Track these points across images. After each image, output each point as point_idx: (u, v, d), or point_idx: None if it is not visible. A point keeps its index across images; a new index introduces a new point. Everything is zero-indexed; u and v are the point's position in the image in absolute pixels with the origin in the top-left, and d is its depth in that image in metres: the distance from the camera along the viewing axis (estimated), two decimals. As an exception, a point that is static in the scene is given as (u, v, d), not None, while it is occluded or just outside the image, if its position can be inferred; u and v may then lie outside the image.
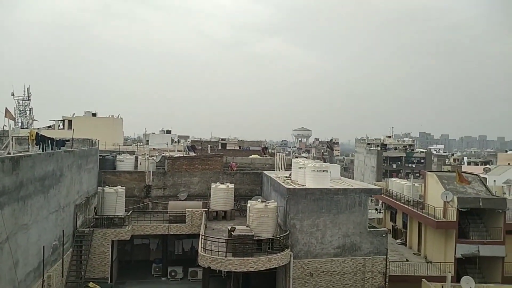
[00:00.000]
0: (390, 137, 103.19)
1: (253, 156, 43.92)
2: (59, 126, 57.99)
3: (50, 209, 19.98)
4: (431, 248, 30.27)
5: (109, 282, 25.50)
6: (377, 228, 25.29)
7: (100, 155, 31.69)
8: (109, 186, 28.83)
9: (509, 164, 61.06)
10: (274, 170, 34.48)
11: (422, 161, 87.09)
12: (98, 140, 31.06)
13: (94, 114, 60.36)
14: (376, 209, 45.59)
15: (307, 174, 25.07)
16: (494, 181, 43.89)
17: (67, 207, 22.89)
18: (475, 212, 28.69)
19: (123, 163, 32.73)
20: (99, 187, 28.37)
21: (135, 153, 38.60)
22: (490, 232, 27.95)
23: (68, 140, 29.38)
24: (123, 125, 63.86)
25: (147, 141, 66.26)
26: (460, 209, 27.33)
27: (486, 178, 41.17)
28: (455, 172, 31.30)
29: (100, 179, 29.90)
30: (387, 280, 23.84)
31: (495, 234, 27.57)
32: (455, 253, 27.16)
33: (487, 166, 62.07)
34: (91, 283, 24.06)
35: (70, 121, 55.50)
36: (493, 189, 33.78)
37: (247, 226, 22.96)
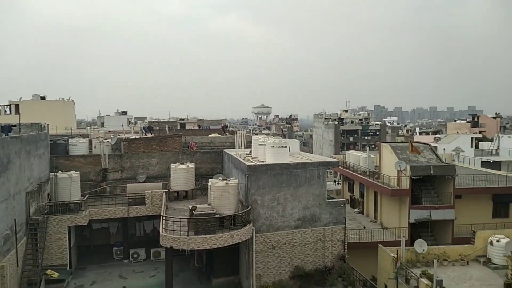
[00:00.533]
0: (346, 111, 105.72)
1: (213, 135, 43.59)
2: (5, 111, 54.79)
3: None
4: (387, 215, 31.67)
5: (68, 268, 24.85)
6: (335, 199, 26.01)
7: (51, 140, 30.26)
8: (62, 171, 27.70)
9: (457, 132, 64.41)
10: (235, 148, 34.52)
11: (377, 133, 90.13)
12: (48, 124, 29.55)
13: (43, 98, 57.38)
14: (335, 181, 46.89)
15: (267, 151, 25.21)
16: (444, 149, 46.18)
17: (17, 195, 21.83)
18: (427, 179, 30.17)
19: (76, 147, 31.46)
20: (51, 173, 27.19)
21: (89, 137, 37.16)
22: (441, 197, 29.56)
23: (15, 126, 27.83)
24: (75, 108, 61.21)
25: (102, 123, 64.03)
26: (412, 177, 28.63)
27: (436, 147, 43.27)
28: (407, 142, 32.61)
29: (52, 165, 28.63)
30: (346, 247, 24.73)
31: (445, 199, 29.21)
32: (408, 219, 28.59)
33: (438, 135, 65.09)
34: (49, 270, 23.35)
35: (17, 106, 52.52)
36: (443, 157, 35.58)
37: (208, 205, 22.92)
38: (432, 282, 20.15)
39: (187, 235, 20.47)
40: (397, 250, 22.35)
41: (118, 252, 28.83)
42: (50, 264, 24.13)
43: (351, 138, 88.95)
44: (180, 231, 20.67)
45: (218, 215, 21.55)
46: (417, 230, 29.62)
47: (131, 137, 33.89)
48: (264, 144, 25.70)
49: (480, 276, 22.57)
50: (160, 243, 21.05)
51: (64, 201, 25.51)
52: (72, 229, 26.46)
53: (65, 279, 23.95)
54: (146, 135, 38.30)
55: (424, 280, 20.23)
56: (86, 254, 29.25)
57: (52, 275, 23.24)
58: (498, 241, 23.69)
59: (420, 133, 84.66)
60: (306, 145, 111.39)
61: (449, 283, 21.08)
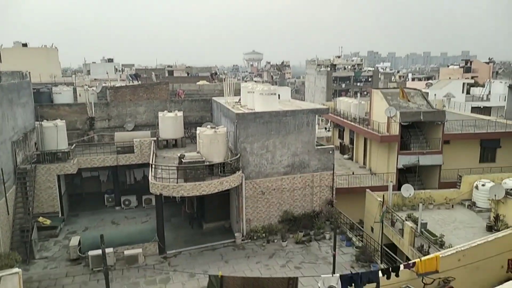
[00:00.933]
0: (339, 57, 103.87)
1: (201, 82, 42.68)
2: (-15, 58, 52.72)
3: (-17, 148, 18.66)
4: (375, 161, 32.01)
5: (60, 215, 25.11)
6: (324, 146, 26.04)
7: (34, 89, 29.38)
8: (47, 120, 27.14)
9: (450, 78, 63.94)
10: (224, 96, 33.93)
11: (369, 79, 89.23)
12: (29, 72, 28.52)
13: (24, 45, 55.14)
14: (326, 128, 46.98)
15: (256, 98, 24.76)
16: (435, 95, 46.02)
17: (2, 145, 21.47)
18: (417, 125, 30.21)
19: (61, 95, 30.67)
20: (36, 122, 26.67)
21: (74, 85, 36.17)
22: (429, 143, 29.77)
23: (-5, 73, 26.81)
24: (58, 55, 59.14)
25: (88, 71, 62.28)
26: (402, 123, 28.60)
27: (428, 93, 43.01)
28: (398, 88, 32.25)
29: (37, 114, 28.02)
30: (334, 193, 25.14)
31: (434, 145, 29.43)
32: (397, 164, 28.93)
33: (430, 81, 64.67)
34: (40, 218, 23.56)
35: (-3, 53, 50.51)
36: (434, 103, 35.46)
37: (197, 153, 22.83)
38: (417, 225, 20.75)
39: (177, 183, 20.53)
40: (383, 195, 22.76)
41: (110, 200, 29.10)
42: (41, 212, 24.31)
43: (343, 85, 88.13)
44: (169, 178, 20.71)
45: (208, 163, 21.52)
46: (405, 175, 30.12)
47: (117, 85, 33.04)
48: (253, 92, 25.20)
49: (464, 219, 23.28)
50: (150, 190, 21.16)
51: (51, 150, 25.23)
52: (61, 178, 26.42)
53: (57, 225, 24.26)
54: (132, 82, 37.39)
55: (409, 223, 20.78)
56: (78, 202, 29.51)
57: (44, 222, 23.48)
58: (483, 185, 24.18)
59: (413, 79, 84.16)
60: (298, 93, 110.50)
61: (433, 225, 21.73)
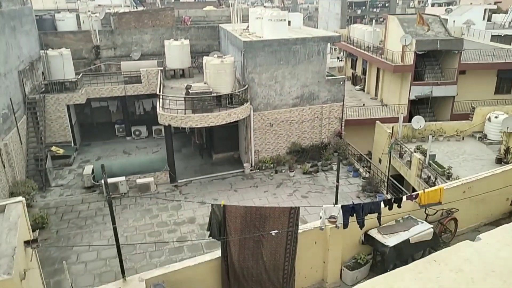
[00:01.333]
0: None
1: (207, 8, 40.80)
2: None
3: (-11, 78, 18.58)
4: (387, 92, 31.36)
5: (72, 145, 25.62)
6: (335, 76, 25.36)
7: (36, 15, 28.48)
8: (52, 49, 26.61)
9: (471, 4, 60.19)
10: (231, 23, 32.57)
11: (386, 5, 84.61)
12: (30, -3, 27.44)
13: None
14: (338, 58, 45.51)
15: (265, 24, 23.71)
16: (454, 21, 43.52)
17: (9, 74, 21.33)
18: (432, 54, 29.06)
19: (64, 22, 29.73)
20: (41, 51, 26.20)
21: (77, 11, 34.88)
22: (444, 73, 28.79)
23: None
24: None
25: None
26: (417, 52, 27.48)
27: (447, 19, 40.70)
28: (416, 14, 30.54)
29: (41, 42, 27.42)
30: (343, 124, 24.96)
31: (449, 75, 28.48)
32: (409, 95, 28.31)
33: (450, 7, 61.07)
34: (53, 147, 24.10)
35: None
36: (452, 30, 33.67)
37: (204, 83, 22.45)
38: (425, 156, 20.75)
39: (185, 114, 20.47)
40: (393, 127, 22.53)
41: (120, 130, 29.41)
42: (54, 141, 24.78)
43: (358, 11, 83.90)
44: (177, 109, 20.61)
45: (215, 94, 21.25)
46: (417, 106, 29.58)
47: (121, 11, 31.78)
48: (262, 18, 24.07)
49: (473, 151, 23.17)
50: (159, 121, 21.21)
51: (59, 80, 25.04)
52: (71, 108, 26.53)
53: (71, 155, 24.84)
54: (136, 8, 35.93)
55: (417, 155, 20.78)
56: (89, 132, 29.88)
57: (57, 152, 24.07)
58: (496, 117, 23.71)
59: (433, 5, 79.49)
60: (311, 19, 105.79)
61: (442, 157, 21.72)
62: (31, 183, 19.93)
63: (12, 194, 18.23)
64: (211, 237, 8.71)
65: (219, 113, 20.81)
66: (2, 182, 18.27)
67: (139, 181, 21.28)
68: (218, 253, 8.98)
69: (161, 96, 21.88)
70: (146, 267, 14.63)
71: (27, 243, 5.25)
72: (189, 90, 21.07)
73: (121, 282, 7.83)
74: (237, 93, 21.73)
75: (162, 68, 27.25)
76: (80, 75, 26.46)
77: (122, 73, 27.03)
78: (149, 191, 21.16)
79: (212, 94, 21.05)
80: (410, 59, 27.76)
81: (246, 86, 22.20)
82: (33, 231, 16.70)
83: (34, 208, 19.15)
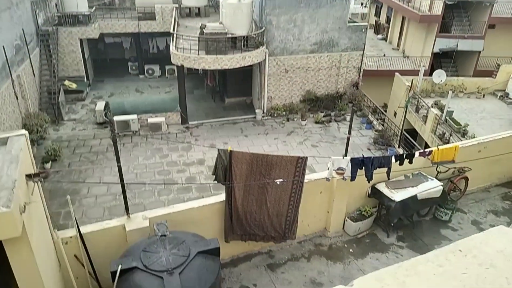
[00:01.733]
0: None
1: None
2: None
3: (1, 6, 18.10)
4: (411, 43, 30.03)
5: (85, 80, 25.49)
6: (357, 23, 24.18)
7: None
8: (64, -22, 25.67)
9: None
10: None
11: None
12: None
13: None
14: (362, 3, 43.32)
15: (287, -38, 22.31)
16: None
17: (21, 4, 20.80)
18: (462, 5, 27.36)
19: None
20: (54, -20, 25.35)
21: None
22: (472, 26, 27.26)
23: None
24: None
25: None
26: (446, 2, 25.86)
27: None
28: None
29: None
30: (361, 74, 24.16)
31: (477, 28, 27.00)
32: (433, 48, 27.07)
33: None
34: (66, 81, 24.03)
35: None
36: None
37: (220, 23, 21.65)
38: (442, 112, 20.17)
39: (198, 54, 19.96)
40: (412, 79, 21.74)
41: (134, 68, 29.05)
42: (67, 75, 24.63)
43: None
44: (190, 49, 20.08)
45: (230, 35, 20.53)
46: (440, 60, 28.41)
47: None
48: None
49: (493, 109, 22.43)
50: (172, 60, 20.78)
51: (72, 13, 24.41)
52: (84, 42, 26.08)
53: (84, 90, 24.79)
54: None
55: (434, 110, 20.20)
56: (102, 67, 29.59)
57: (70, 86, 24.02)
58: (522, 76, 22.67)
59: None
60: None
61: (459, 114, 21.08)
62: (44, 116, 20.07)
63: (25, 126, 18.45)
64: (216, 181, 8.70)
65: (233, 56, 20.23)
66: (15, 113, 18.43)
67: (150, 120, 21.27)
68: (223, 196, 9.02)
69: (175, 35, 21.26)
70: (155, 204, 14.94)
71: (29, 176, 5.23)
72: (204, 30, 20.38)
73: (125, 219, 7.97)
74: (253, 35, 20.97)
75: (177, 5, 26.29)
76: (94, 8, 25.73)
77: (137, 8, 26.18)
78: (160, 131, 21.22)
79: (227, 35, 20.36)
80: (438, 9, 26.21)
81: (263, 29, 21.36)
82: (46, 162, 17.14)
83: (47, 140, 19.44)
